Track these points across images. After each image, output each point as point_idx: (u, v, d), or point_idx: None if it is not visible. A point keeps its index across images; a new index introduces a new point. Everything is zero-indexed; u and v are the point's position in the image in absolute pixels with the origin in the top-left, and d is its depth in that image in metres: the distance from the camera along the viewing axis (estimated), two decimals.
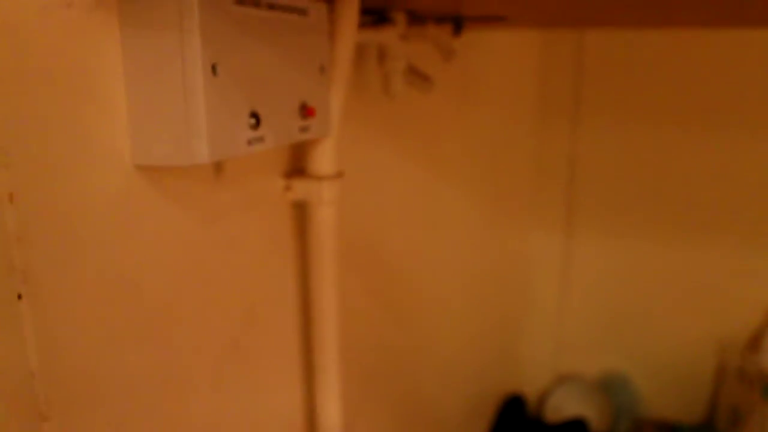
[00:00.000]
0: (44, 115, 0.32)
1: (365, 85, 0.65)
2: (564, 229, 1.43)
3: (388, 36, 0.61)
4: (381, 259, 0.75)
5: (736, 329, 1.33)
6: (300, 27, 0.45)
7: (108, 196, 0.36)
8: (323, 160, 0.54)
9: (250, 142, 0.39)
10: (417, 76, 0.64)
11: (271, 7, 0.41)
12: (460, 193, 0.97)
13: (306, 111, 0.45)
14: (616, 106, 1.30)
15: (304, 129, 0.46)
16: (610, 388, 1.50)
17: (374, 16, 0.62)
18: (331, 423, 0.60)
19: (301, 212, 0.56)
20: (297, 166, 0.55)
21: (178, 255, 0.42)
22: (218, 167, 0.45)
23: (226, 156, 0.37)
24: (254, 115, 0.39)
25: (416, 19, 0.68)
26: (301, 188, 0.54)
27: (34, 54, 0.31)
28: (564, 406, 1.54)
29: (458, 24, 0.71)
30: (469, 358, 1.17)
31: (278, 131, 0.42)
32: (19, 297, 0.31)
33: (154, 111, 0.36)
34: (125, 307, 0.38)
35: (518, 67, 1.18)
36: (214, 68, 0.36)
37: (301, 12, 0.44)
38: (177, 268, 0.42)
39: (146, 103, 0.36)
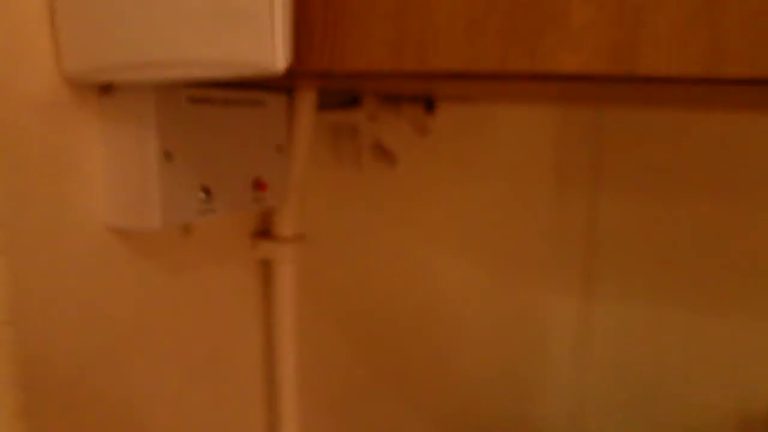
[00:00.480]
0: (35, 187, 0.42)
1: (344, 158, 0.75)
2: (581, 295, 1.46)
3: (356, 117, 0.70)
4: (365, 310, 0.83)
5: (760, 403, 1.33)
6: (257, 115, 0.54)
7: (86, 250, 0.46)
8: (284, 224, 0.63)
9: (200, 212, 0.49)
10: (382, 152, 0.73)
11: (225, 102, 0.51)
12: (459, 252, 1.04)
13: (258, 185, 0.54)
14: (637, 173, 1.33)
15: (257, 200, 0.55)
16: None
17: (348, 98, 0.71)
18: None
19: (265, 268, 0.65)
20: (263, 228, 0.64)
21: (147, 299, 0.51)
22: (186, 229, 0.55)
23: (176, 223, 0.47)
24: (205, 190, 0.49)
25: (390, 99, 0.78)
26: (265, 248, 0.63)
27: (29, 141, 0.41)
28: None
29: (429, 104, 0.80)
30: (473, 410, 1.22)
31: (229, 202, 0.51)
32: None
33: (121, 186, 0.46)
34: (99, 336, 0.47)
35: (532, 138, 1.25)
36: (168, 154, 0.45)
37: (258, 103, 0.54)
38: (144, 311, 0.51)
39: (116, 180, 0.46)
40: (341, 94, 0.70)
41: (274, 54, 0.34)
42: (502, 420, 1.39)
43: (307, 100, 0.59)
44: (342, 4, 0.36)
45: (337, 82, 0.50)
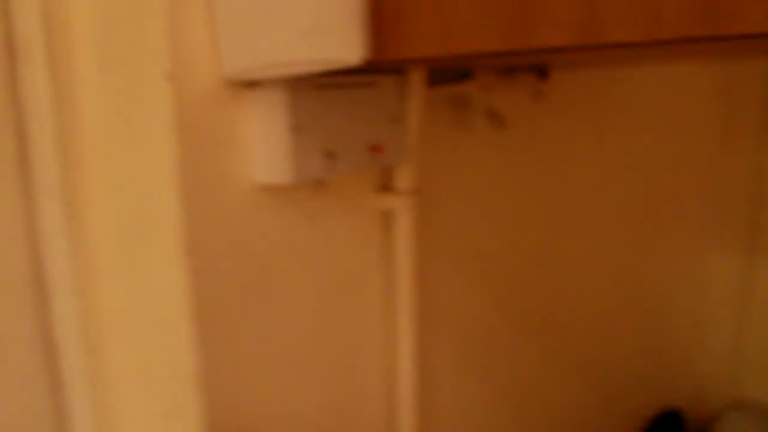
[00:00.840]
0: (206, 158, 0.60)
1: (460, 124, 0.87)
2: (746, 248, 1.41)
3: (469, 89, 0.82)
4: (485, 259, 0.95)
5: None
6: (370, 94, 0.68)
7: (242, 201, 0.63)
8: (402, 179, 0.76)
9: (324, 170, 0.64)
10: (493, 116, 0.84)
11: (344, 86, 0.65)
12: (595, 211, 1.11)
13: (375, 148, 0.69)
14: None
15: (374, 160, 0.69)
16: None
17: (459, 72, 0.83)
18: (408, 368, 0.82)
19: (387, 217, 0.79)
20: (385, 183, 0.79)
21: (287, 238, 0.68)
22: (319, 184, 0.71)
23: (306, 178, 0.62)
24: (328, 153, 0.64)
25: (508, 70, 0.88)
26: (385, 200, 0.77)
27: (200, 127, 0.59)
28: (735, 430, 1.50)
29: (542, 72, 0.89)
30: (620, 366, 1.26)
31: (350, 163, 0.66)
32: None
33: (266, 153, 0.62)
34: (251, 267, 0.65)
35: (691, 90, 1.24)
36: (297, 128, 0.61)
37: (372, 85, 0.68)
38: (286, 246, 0.68)
39: (262, 149, 0.63)
40: (453, 71, 0.81)
41: (351, 52, 0.47)
42: (649, 372, 1.41)
43: (417, 79, 0.72)
44: (403, 8, 0.49)
45: (446, 63, 0.62)
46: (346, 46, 0.47)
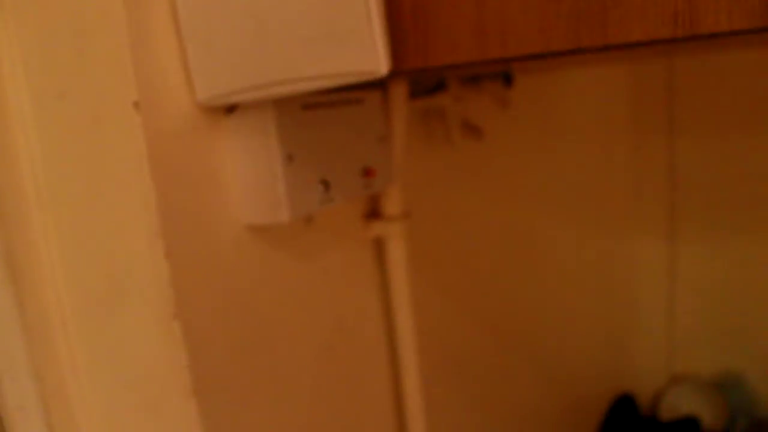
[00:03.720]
0: (182, 198, 0.48)
1: (435, 138, 0.78)
2: (668, 233, 1.45)
3: (443, 100, 0.73)
4: (470, 273, 0.86)
5: None
6: (358, 112, 0.58)
7: (229, 247, 0.51)
8: (391, 204, 0.67)
9: (321, 203, 0.53)
10: (469, 128, 0.76)
11: (331, 104, 0.55)
12: (551, 211, 1.06)
13: (367, 173, 0.59)
14: (712, 115, 1.30)
15: (367, 186, 0.59)
16: (726, 387, 1.48)
17: (433, 83, 0.74)
18: (416, 411, 0.72)
19: (378, 245, 0.69)
20: (372, 209, 0.68)
21: (280, 282, 0.57)
22: (308, 219, 0.60)
23: (302, 214, 0.51)
24: (324, 182, 0.53)
25: (471, 79, 0.80)
26: (376, 227, 0.67)
27: (174, 162, 0.47)
28: (679, 405, 1.51)
29: (507, 78, 0.82)
30: (574, 358, 1.24)
31: (344, 191, 0.56)
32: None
33: (253, 188, 0.51)
34: (246, 320, 0.53)
35: (606, 95, 1.25)
36: (290, 156, 0.50)
37: (358, 101, 0.58)
38: (279, 292, 0.57)
39: (248, 183, 0.51)
40: (427, 81, 0.73)
41: (378, 61, 0.37)
42: (602, 361, 1.40)
43: (400, 93, 0.62)
44: (428, 9, 0.39)
45: (427, 74, 0.53)
46: (369, 55, 0.37)
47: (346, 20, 0.37)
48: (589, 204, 1.21)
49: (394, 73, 0.40)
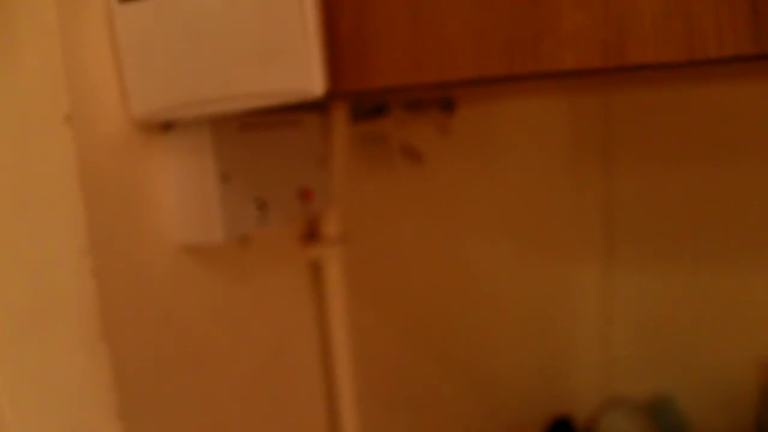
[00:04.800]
0: (114, 217, 0.46)
1: (376, 162, 0.78)
2: (603, 260, 1.48)
3: (385, 125, 0.73)
4: (410, 298, 0.86)
5: None
6: (297, 134, 0.58)
7: (161, 267, 0.50)
8: (329, 226, 0.66)
9: (257, 224, 0.52)
10: (410, 153, 0.76)
11: (269, 126, 0.54)
12: (489, 238, 1.07)
13: (305, 194, 0.58)
14: (647, 147, 1.35)
15: (304, 208, 0.58)
16: (658, 410, 1.51)
17: (375, 107, 0.75)
18: None
19: (315, 268, 0.68)
20: (309, 232, 0.68)
21: (214, 304, 0.55)
22: (244, 240, 0.59)
23: (236, 235, 0.50)
24: (259, 204, 0.53)
25: (413, 104, 0.81)
26: (313, 250, 0.66)
27: (106, 178, 0.45)
28: (613, 427, 1.54)
29: (448, 105, 0.83)
30: (511, 382, 1.25)
31: (281, 213, 0.55)
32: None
33: (187, 208, 0.50)
34: (178, 341, 0.51)
35: (545, 126, 1.28)
36: (225, 176, 0.49)
37: (297, 124, 0.58)
38: (213, 313, 0.55)
39: (183, 203, 0.50)
40: (368, 105, 0.73)
41: (313, 81, 0.37)
42: (539, 384, 1.41)
43: (340, 116, 0.62)
44: (365, 31, 0.39)
45: (366, 98, 0.53)
46: (305, 74, 0.37)
47: (282, 39, 0.37)
48: (527, 230, 1.23)
49: (332, 95, 0.40)
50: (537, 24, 0.35)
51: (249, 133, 0.52)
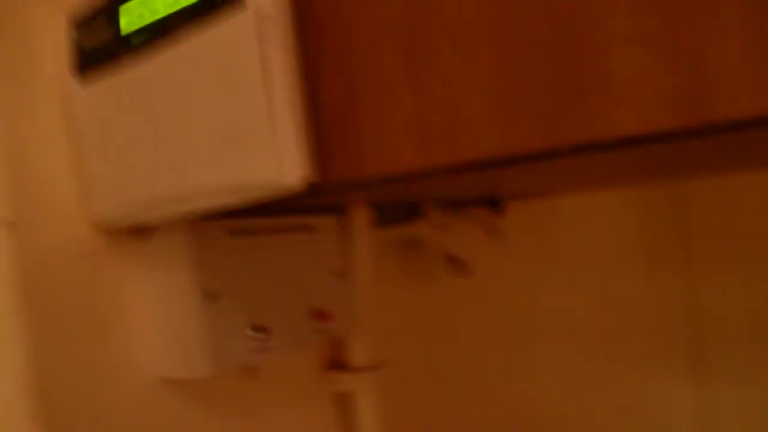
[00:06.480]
0: (73, 341, 0.37)
1: (413, 274, 0.68)
2: (694, 380, 1.30)
3: (420, 229, 0.64)
4: (461, 430, 0.73)
5: None
6: (307, 241, 0.49)
7: (136, 404, 0.40)
8: (359, 353, 0.55)
9: (256, 353, 0.42)
10: (453, 262, 0.66)
11: (271, 231, 0.45)
12: (558, 353, 0.93)
13: (318, 315, 0.48)
14: (734, 238, 1.20)
15: (320, 331, 0.48)
16: None
17: (408, 210, 0.65)
18: None
19: (343, 401, 0.57)
20: (335, 358, 0.57)
21: None
22: (248, 371, 0.48)
23: (229, 367, 0.40)
24: (258, 328, 0.43)
25: (453, 204, 0.71)
26: (341, 380, 0.56)
27: (62, 293, 0.37)
28: None
29: (495, 203, 0.73)
30: None
31: (288, 338, 0.45)
32: None
33: (166, 332, 0.41)
34: None
35: (612, 223, 1.15)
36: (211, 294, 0.40)
37: (308, 228, 0.49)
38: None
39: (161, 326, 0.41)
40: (400, 208, 0.64)
41: (285, 170, 0.28)
42: None
43: (360, 218, 0.53)
44: (356, 103, 0.31)
45: (383, 192, 0.44)
46: (276, 162, 0.28)
47: (245, 119, 0.29)
48: (599, 342, 1.07)
49: (317, 187, 0.31)
50: (578, 72, 0.26)
51: (244, 239, 0.43)
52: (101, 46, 0.34)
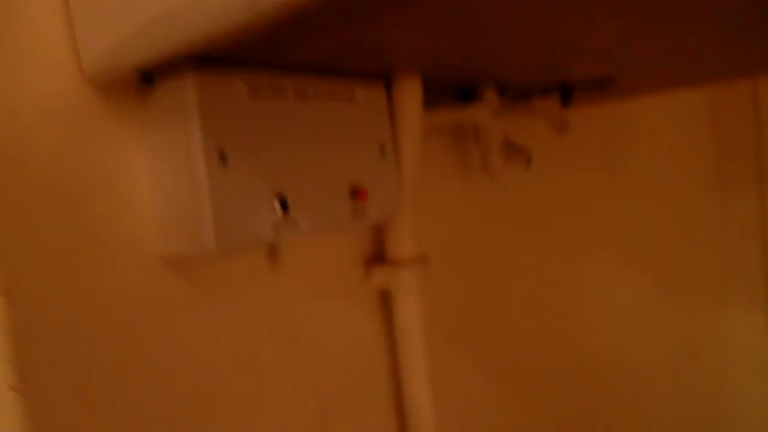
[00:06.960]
0: (59, 216, 0.31)
1: (467, 163, 0.60)
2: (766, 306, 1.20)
3: (477, 114, 0.55)
4: (505, 336, 0.66)
5: None
6: (345, 111, 0.41)
7: (135, 288, 0.34)
8: (400, 243, 0.48)
9: (276, 230, 0.36)
10: (514, 150, 0.58)
11: (302, 95, 0.38)
12: (613, 273, 0.85)
13: (354, 194, 0.41)
14: None
15: (356, 214, 0.41)
16: None
17: (463, 92, 0.57)
18: None
19: (384, 301, 0.50)
20: (377, 251, 0.50)
21: (228, 348, 0.39)
22: (273, 256, 0.42)
23: (242, 245, 0.34)
24: (281, 201, 0.36)
25: (520, 92, 0.62)
26: (380, 275, 0.49)
27: (45, 158, 0.31)
28: None
29: (566, 94, 0.63)
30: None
31: (317, 216, 0.38)
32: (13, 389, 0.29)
33: (170, 202, 0.34)
34: (169, 401, 0.35)
35: (684, 131, 1.04)
36: (222, 157, 0.33)
37: (345, 99, 0.41)
38: (225, 361, 0.39)
39: (164, 195, 0.34)
40: (456, 91, 0.55)
41: None
42: None
43: (409, 88, 0.45)
44: None
45: (438, 45, 0.35)
46: None
47: None
48: (661, 261, 0.98)
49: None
50: None
51: (265, 101, 0.35)
52: None
